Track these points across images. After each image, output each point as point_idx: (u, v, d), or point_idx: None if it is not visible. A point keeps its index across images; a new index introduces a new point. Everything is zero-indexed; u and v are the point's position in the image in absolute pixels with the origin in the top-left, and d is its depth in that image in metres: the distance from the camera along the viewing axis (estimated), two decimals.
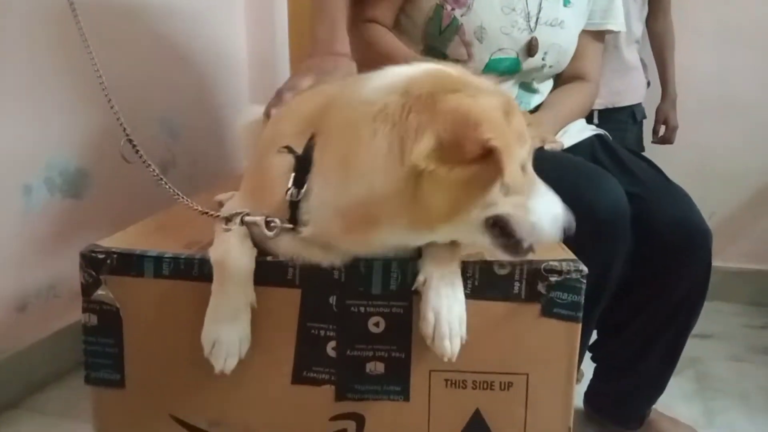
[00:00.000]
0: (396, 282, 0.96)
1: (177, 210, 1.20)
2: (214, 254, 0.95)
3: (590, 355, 1.55)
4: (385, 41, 1.40)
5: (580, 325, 0.98)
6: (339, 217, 0.88)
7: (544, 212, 0.89)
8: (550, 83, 1.56)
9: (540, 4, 1.41)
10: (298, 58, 2.34)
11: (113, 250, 1.01)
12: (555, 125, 1.44)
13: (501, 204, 0.86)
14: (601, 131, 1.55)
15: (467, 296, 0.94)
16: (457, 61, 1.33)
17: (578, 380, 1.52)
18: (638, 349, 1.44)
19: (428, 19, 1.40)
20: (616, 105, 2.17)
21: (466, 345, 0.93)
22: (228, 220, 0.96)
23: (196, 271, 0.98)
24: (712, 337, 2.19)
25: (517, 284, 0.96)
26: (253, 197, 1.00)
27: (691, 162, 2.36)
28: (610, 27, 1.55)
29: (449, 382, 1.00)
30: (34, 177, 1.72)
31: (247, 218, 0.95)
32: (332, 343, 0.99)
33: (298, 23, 2.42)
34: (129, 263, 1.00)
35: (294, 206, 0.92)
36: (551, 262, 0.96)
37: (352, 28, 1.44)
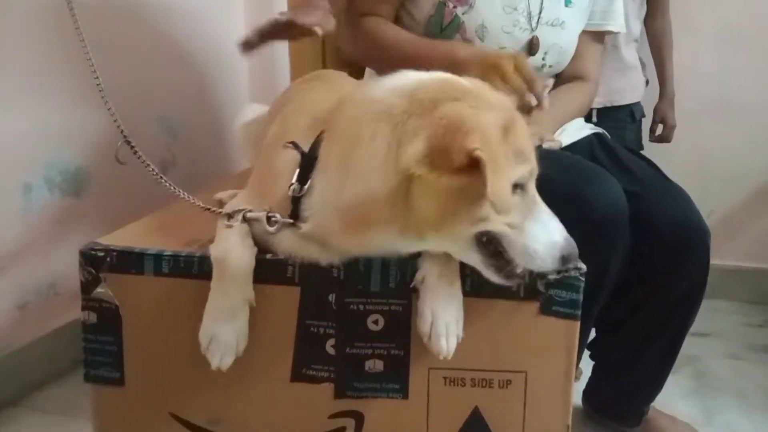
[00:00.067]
0: (395, 280, 0.97)
1: (177, 208, 1.20)
2: (214, 252, 0.95)
3: (589, 353, 1.55)
4: (387, 32, 1.40)
5: (578, 323, 0.98)
6: (338, 215, 0.89)
7: (540, 237, 0.87)
8: (549, 83, 1.56)
9: (541, 4, 1.41)
10: (297, 58, 2.33)
11: (113, 247, 1.01)
12: (553, 124, 1.44)
13: (493, 221, 0.84)
14: (599, 130, 1.55)
15: (466, 294, 0.95)
16: None
17: (577, 378, 1.52)
18: (636, 347, 1.44)
19: (429, 16, 1.40)
20: (615, 104, 2.17)
21: (464, 343, 0.94)
22: (230, 216, 0.97)
23: (196, 269, 0.99)
24: (711, 335, 2.19)
25: None
26: (257, 190, 1.01)
27: (690, 161, 2.37)
28: (610, 28, 1.55)
29: (448, 380, 1.00)
30: (33, 176, 1.72)
31: (249, 215, 0.96)
32: (331, 341, 0.99)
33: None
34: (129, 261, 1.00)
35: (296, 202, 0.92)
36: None
37: (351, 22, 1.44)
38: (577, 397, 1.56)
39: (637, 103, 2.25)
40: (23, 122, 1.68)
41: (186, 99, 2.26)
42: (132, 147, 1.10)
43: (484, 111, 0.85)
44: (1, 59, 1.61)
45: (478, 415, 1.01)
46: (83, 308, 1.02)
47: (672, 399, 1.67)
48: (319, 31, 1.32)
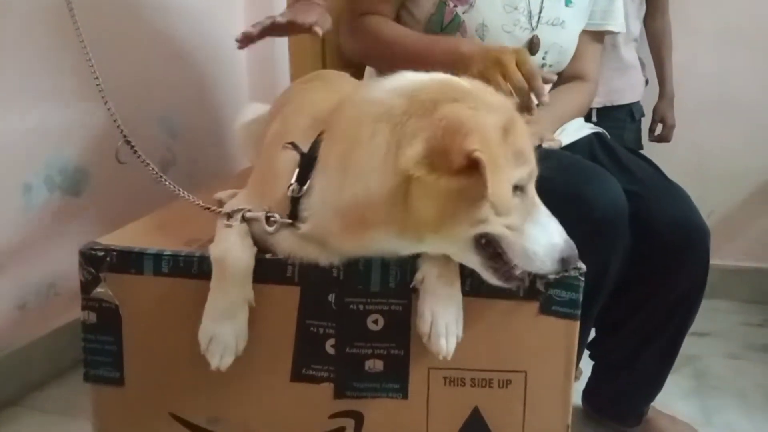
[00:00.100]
0: (395, 280, 0.97)
1: (176, 208, 1.20)
2: (214, 251, 0.95)
3: (588, 353, 1.55)
4: (389, 29, 1.40)
5: (578, 323, 0.98)
6: (337, 216, 0.89)
7: (540, 239, 0.87)
8: (553, 78, 1.55)
9: (542, 3, 1.41)
10: (297, 58, 2.33)
11: (112, 247, 1.01)
12: (553, 123, 1.44)
13: (492, 223, 0.84)
14: (599, 129, 1.55)
15: (466, 294, 0.95)
16: None
17: (576, 378, 1.52)
18: (636, 347, 1.44)
19: (430, 15, 1.40)
20: (614, 103, 2.17)
21: (464, 343, 0.94)
22: (229, 216, 0.97)
23: (196, 268, 0.99)
24: (710, 334, 2.19)
25: None
26: (257, 191, 1.01)
27: (690, 161, 2.37)
28: (610, 28, 1.55)
29: (448, 380, 1.00)
30: (33, 175, 1.72)
31: (248, 214, 0.96)
32: (331, 341, 0.99)
33: None
34: (128, 261, 1.00)
35: (295, 202, 0.92)
36: None
37: (352, 21, 1.44)
38: (576, 397, 1.56)
39: (637, 103, 2.25)
40: (23, 122, 1.68)
41: (186, 99, 2.26)
42: (132, 146, 1.10)
43: (484, 112, 0.84)
44: (0, 59, 1.61)
45: (478, 415, 1.01)
46: (83, 308, 1.02)
47: (672, 399, 1.67)
48: (319, 31, 1.33)
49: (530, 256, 0.87)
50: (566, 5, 1.44)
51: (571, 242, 0.89)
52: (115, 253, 1.01)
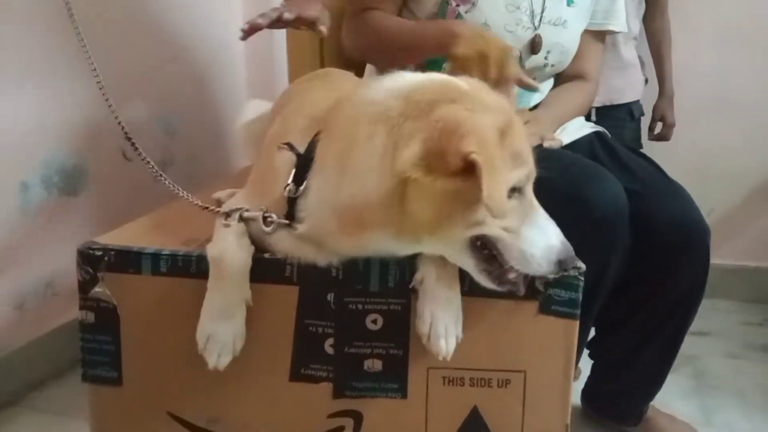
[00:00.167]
0: (394, 279, 0.96)
1: (175, 207, 1.20)
2: (211, 251, 0.95)
3: (588, 352, 1.54)
4: (388, 22, 1.39)
5: (577, 323, 0.98)
6: (334, 216, 0.89)
7: (537, 241, 0.86)
8: (550, 82, 1.55)
9: (544, 3, 1.40)
10: (296, 56, 2.33)
11: (110, 247, 1.01)
12: (553, 123, 1.44)
13: (489, 225, 0.84)
14: (600, 128, 1.55)
15: (465, 294, 0.95)
16: None
17: (575, 377, 1.52)
18: (636, 347, 1.44)
19: (432, 15, 1.40)
20: (614, 102, 2.17)
21: (463, 342, 0.93)
22: (227, 215, 0.96)
23: (194, 268, 0.98)
24: (710, 334, 2.19)
25: None
26: (255, 191, 1.01)
27: (689, 160, 2.36)
28: (611, 27, 1.55)
29: (447, 380, 1.00)
30: (31, 175, 1.72)
31: (246, 214, 0.95)
32: (330, 341, 0.99)
33: None
34: (126, 260, 1.00)
35: (292, 203, 0.92)
36: None
37: (353, 18, 1.44)
38: (576, 397, 1.56)
39: (636, 102, 2.25)
40: (20, 121, 1.67)
41: (184, 98, 2.25)
42: (133, 144, 1.10)
43: (481, 113, 0.84)
44: None
45: (477, 415, 1.01)
46: (81, 308, 1.02)
47: (671, 398, 1.67)
48: (324, 30, 1.32)
49: (527, 259, 0.86)
50: (568, 5, 1.44)
51: (568, 244, 0.88)
52: (113, 252, 1.00)
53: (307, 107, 1.02)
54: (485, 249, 0.87)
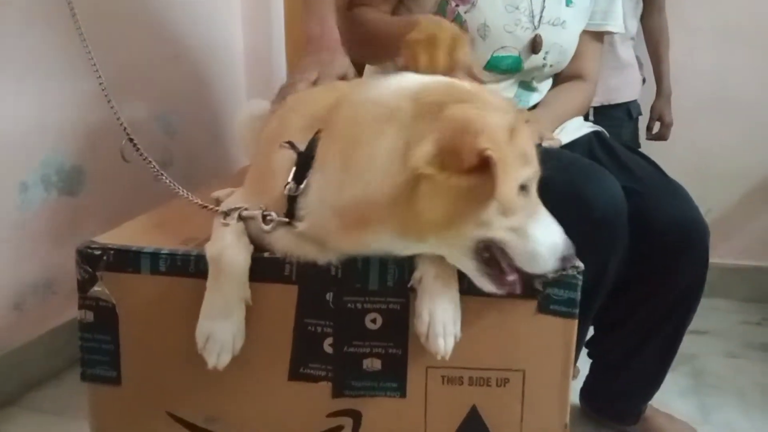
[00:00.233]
0: (393, 278, 0.96)
1: (174, 206, 1.20)
2: (210, 250, 0.95)
3: (586, 351, 1.55)
4: (372, 15, 1.39)
5: (576, 322, 0.98)
6: (335, 215, 0.89)
7: (543, 239, 0.88)
8: (549, 82, 1.55)
9: (543, 3, 1.40)
10: (294, 55, 2.33)
11: (110, 246, 1.01)
12: (552, 123, 1.44)
13: (497, 225, 0.85)
14: (598, 128, 1.55)
15: (463, 293, 0.95)
16: None
17: (574, 377, 1.52)
18: (635, 346, 1.44)
19: (431, 14, 1.39)
20: (612, 102, 2.16)
21: (462, 342, 0.93)
22: (226, 214, 0.96)
23: (193, 267, 0.98)
24: (709, 333, 2.19)
25: None
26: (254, 189, 1.01)
27: (688, 159, 2.36)
28: (610, 28, 1.55)
29: (446, 379, 1.00)
30: (30, 174, 1.72)
31: (244, 213, 0.95)
32: (329, 340, 0.99)
33: (295, 19, 2.41)
34: (125, 260, 1.00)
35: (292, 201, 0.92)
36: None
37: (343, 15, 1.43)
38: (574, 396, 1.56)
39: (634, 101, 2.25)
40: (19, 121, 1.67)
41: (183, 98, 2.25)
42: (134, 144, 1.10)
43: (490, 113, 0.85)
44: None
45: (476, 414, 1.01)
46: (80, 307, 1.02)
47: (670, 397, 1.67)
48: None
49: (534, 257, 0.87)
50: (567, 5, 1.44)
51: (569, 241, 0.89)
52: (112, 251, 1.00)
53: (306, 106, 1.02)
54: (486, 252, 0.88)
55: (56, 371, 1.79)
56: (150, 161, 1.09)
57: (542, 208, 0.91)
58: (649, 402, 1.56)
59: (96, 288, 1.00)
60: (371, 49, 1.36)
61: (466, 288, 0.95)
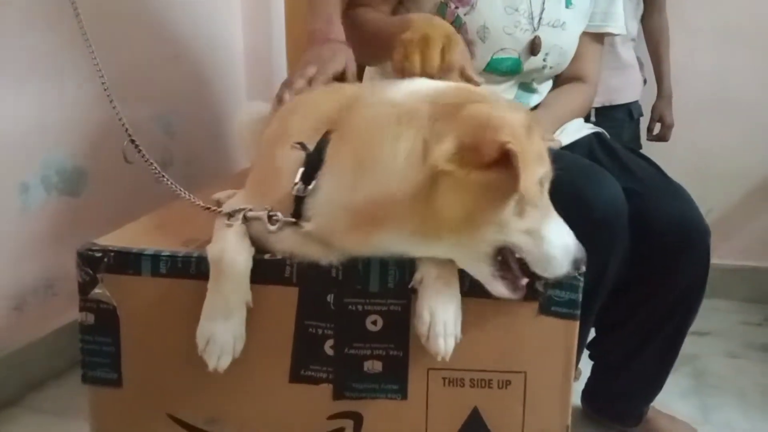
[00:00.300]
0: (394, 280, 0.96)
1: (174, 208, 1.20)
2: (211, 252, 0.95)
3: (588, 353, 1.54)
4: (370, 15, 1.39)
5: (577, 323, 0.98)
6: (346, 214, 0.89)
7: (557, 241, 0.89)
8: (549, 84, 1.55)
9: (543, 5, 1.40)
10: (294, 55, 2.33)
11: (110, 248, 1.01)
12: (553, 124, 1.44)
13: (514, 228, 0.86)
14: (599, 129, 1.55)
15: (465, 294, 0.95)
16: None
17: (576, 378, 1.52)
18: (635, 347, 1.44)
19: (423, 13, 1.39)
20: (613, 103, 2.16)
21: (463, 343, 0.93)
22: (230, 215, 0.96)
23: (194, 269, 0.98)
24: (709, 334, 2.19)
25: None
26: (257, 190, 1.01)
27: (688, 160, 2.36)
28: (610, 29, 1.54)
29: (447, 381, 1.00)
30: (30, 175, 1.72)
31: (249, 213, 0.95)
32: (330, 342, 0.99)
33: (295, 20, 2.41)
34: (126, 261, 1.00)
35: (299, 201, 0.92)
36: None
37: (346, 14, 1.43)
38: (576, 397, 1.56)
39: (635, 102, 2.25)
40: (20, 121, 1.67)
41: (183, 98, 2.25)
42: (136, 145, 1.10)
43: (507, 112, 0.86)
44: None
45: (477, 416, 1.00)
46: (81, 309, 1.02)
47: (671, 398, 1.67)
48: (351, 80, 1.24)
49: (549, 260, 0.88)
50: (567, 7, 1.44)
51: (580, 244, 0.90)
52: (112, 253, 1.00)
53: (310, 108, 1.02)
54: (499, 256, 0.89)
55: (57, 372, 1.79)
56: (151, 163, 1.08)
57: (554, 211, 0.91)
58: (651, 403, 1.56)
59: (97, 290, 1.00)
60: (370, 50, 1.36)
61: (467, 289, 0.95)
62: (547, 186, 0.91)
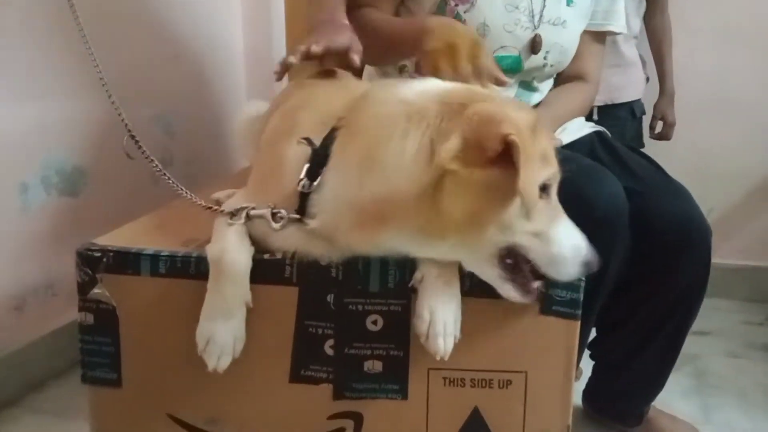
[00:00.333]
0: (394, 280, 0.96)
1: (174, 208, 1.20)
2: (211, 251, 0.94)
3: (589, 352, 1.54)
4: (375, 16, 1.38)
5: (578, 323, 0.98)
6: (351, 211, 0.88)
7: (566, 243, 0.88)
8: (550, 82, 1.55)
9: (543, 3, 1.40)
10: None
11: (109, 248, 1.01)
12: (554, 123, 1.44)
13: (519, 229, 0.85)
14: (600, 128, 1.55)
15: (465, 294, 0.94)
16: None
17: (577, 378, 1.52)
18: (637, 347, 1.43)
19: (431, 14, 1.39)
20: (615, 101, 2.16)
21: (464, 343, 0.93)
22: (233, 214, 0.96)
23: (193, 269, 0.98)
24: (710, 333, 2.19)
25: None
26: (260, 187, 1.00)
27: (689, 160, 2.36)
28: (611, 28, 1.54)
29: (447, 381, 0.99)
30: (30, 175, 1.72)
31: (252, 212, 0.95)
32: (330, 342, 0.99)
33: (295, 20, 2.41)
34: (125, 261, 1.00)
35: (303, 198, 0.91)
36: None
37: (348, 15, 1.43)
38: (577, 397, 1.56)
39: (638, 101, 2.25)
40: (19, 122, 1.67)
41: (183, 98, 2.25)
42: (136, 142, 1.10)
43: (513, 111, 0.86)
44: None
45: (478, 416, 1.00)
46: (80, 309, 1.02)
47: (672, 397, 1.67)
48: (356, 59, 1.21)
49: (558, 262, 0.88)
50: (568, 5, 1.43)
51: (590, 246, 0.90)
52: (111, 253, 1.00)
53: (315, 104, 1.02)
54: (509, 258, 0.88)
55: (57, 372, 1.79)
56: (152, 159, 1.08)
57: (563, 213, 0.91)
58: (652, 403, 1.56)
59: (96, 290, 1.00)
60: (375, 50, 1.36)
61: (468, 289, 0.94)
62: (555, 188, 0.90)
